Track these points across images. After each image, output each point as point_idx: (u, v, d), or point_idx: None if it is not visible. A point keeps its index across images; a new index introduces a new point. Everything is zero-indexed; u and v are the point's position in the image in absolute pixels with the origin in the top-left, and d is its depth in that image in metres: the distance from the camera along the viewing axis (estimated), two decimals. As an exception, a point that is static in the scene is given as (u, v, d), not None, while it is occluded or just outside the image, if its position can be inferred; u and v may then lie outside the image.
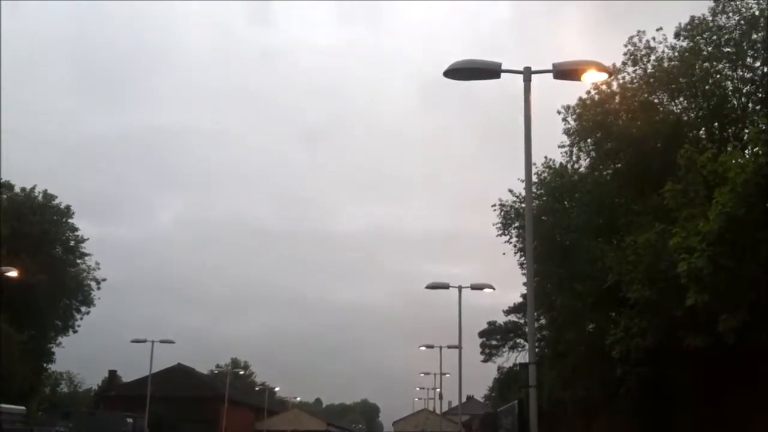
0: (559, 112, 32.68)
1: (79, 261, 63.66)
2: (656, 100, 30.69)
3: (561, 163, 34.15)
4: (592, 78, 16.33)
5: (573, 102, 32.15)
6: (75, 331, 63.60)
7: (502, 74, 15.52)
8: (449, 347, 49.90)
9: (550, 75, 15.36)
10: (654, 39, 30.85)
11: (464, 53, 79.51)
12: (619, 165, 31.38)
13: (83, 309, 63.89)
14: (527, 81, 15.24)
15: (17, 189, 59.67)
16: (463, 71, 15.60)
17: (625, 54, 31.05)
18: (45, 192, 60.63)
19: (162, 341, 53.01)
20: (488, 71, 15.46)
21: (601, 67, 15.53)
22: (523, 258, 34.49)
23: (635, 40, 30.99)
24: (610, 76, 25.76)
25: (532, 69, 15.34)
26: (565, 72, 15.31)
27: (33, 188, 60.63)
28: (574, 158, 33.29)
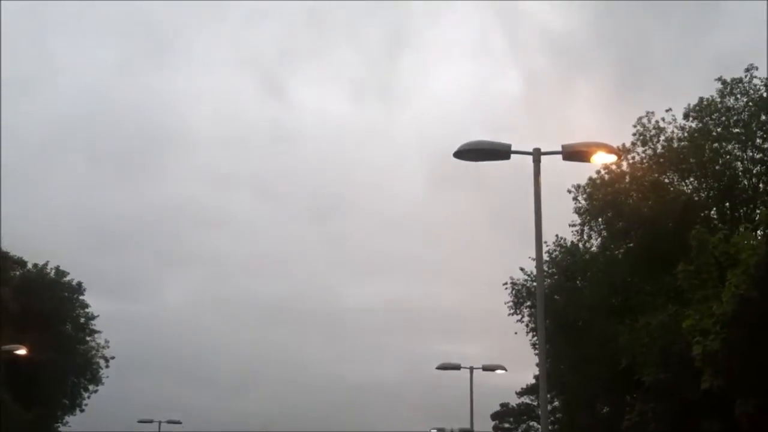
0: (569, 191, 32.79)
1: (88, 338, 63.28)
2: (666, 180, 30.80)
3: (572, 242, 34.07)
4: (601, 160, 16.38)
5: (583, 181, 32.31)
6: (82, 410, 62.73)
7: (512, 155, 15.55)
8: (461, 431, 48.81)
9: (560, 155, 15.40)
10: (663, 120, 31.19)
11: (476, 129, 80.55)
12: (631, 244, 31.28)
13: (91, 387, 63.17)
14: (537, 162, 15.24)
15: (30, 265, 59.90)
16: (472, 152, 15.60)
17: (634, 134, 31.36)
18: (57, 268, 60.78)
19: (169, 422, 52.15)
20: (498, 152, 15.50)
21: (610, 149, 15.56)
22: (535, 338, 34.07)
23: (644, 120, 31.32)
24: (619, 158, 25.89)
25: (542, 150, 15.36)
26: (575, 153, 15.33)
27: (45, 264, 60.84)
28: (585, 237, 33.24)
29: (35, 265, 60.51)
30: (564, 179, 32.67)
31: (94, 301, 62.53)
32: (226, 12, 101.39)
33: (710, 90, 30.76)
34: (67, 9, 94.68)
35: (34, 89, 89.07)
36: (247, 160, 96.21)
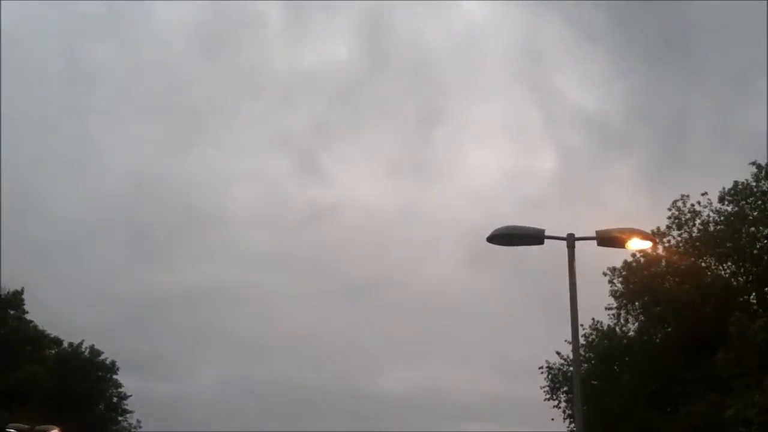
0: (605, 274, 32.56)
1: (120, 418, 63.25)
2: (704, 264, 30.47)
3: (609, 326, 33.62)
4: (636, 246, 16.30)
5: (618, 263, 32.09)
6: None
7: (546, 240, 15.56)
8: None
9: (594, 241, 15.38)
10: (698, 203, 31.07)
11: (510, 207, 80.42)
12: (669, 329, 30.78)
13: (122, 468, 62.78)
14: (571, 248, 15.21)
15: (65, 344, 60.41)
16: (506, 237, 15.64)
17: (669, 218, 31.23)
18: (92, 347, 61.27)
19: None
20: (531, 238, 15.53)
21: (645, 235, 15.53)
22: (572, 425, 33.29)
23: (679, 204, 31.23)
24: (654, 245, 25.76)
25: (576, 236, 15.35)
26: (609, 239, 15.31)
27: (80, 344, 61.33)
28: (622, 321, 32.83)
29: (71, 344, 61.03)
30: (599, 260, 32.52)
31: (126, 379, 62.73)
32: (263, 91, 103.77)
33: (745, 173, 30.66)
34: (107, 91, 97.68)
35: (73, 171, 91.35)
36: (283, 239, 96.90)
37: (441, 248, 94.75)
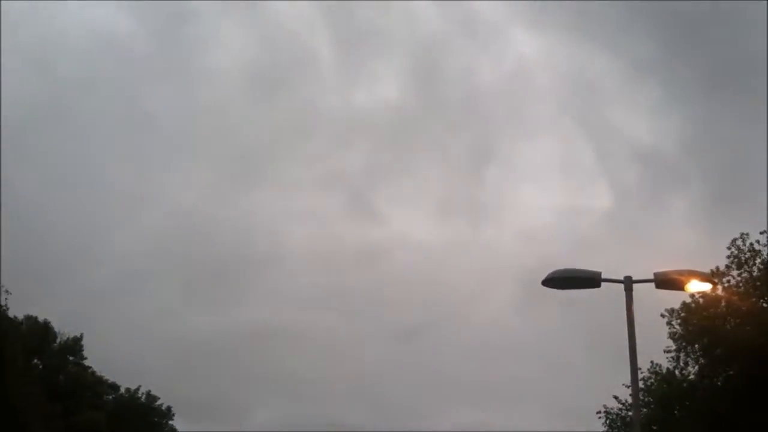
0: (662, 315, 31.95)
1: (175, 464, 63.60)
2: (765, 305, 29.72)
3: (668, 369, 32.88)
4: (695, 288, 16.08)
5: (676, 304, 31.48)
6: None
7: (603, 283, 15.40)
8: None
9: (652, 283, 15.18)
10: (758, 242, 30.45)
11: (564, 245, 79.36)
12: (732, 372, 29.98)
13: None
14: (629, 291, 15.04)
15: (122, 389, 61.23)
16: (562, 280, 15.53)
17: (728, 257, 30.62)
18: (148, 393, 62.05)
19: None
20: (587, 281, 15.38)
21: (704, 277, 15.31)
22: (633, 472, 32.46)
23: (739, 242, 30.65)
24: (714, 287, 25.26)
25: (633, 278, 15.18)
26: (668, 282, 15.09)
27: (137, 389, 62.12)
28: (681, 364, 32.06)
29: (128, 390, 61.85)
30: (657, 301, 31.90)
31: (181, 423, 63.32)
32: (316, 131, 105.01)
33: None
34: (163, 134, 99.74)
35: (130, 213, 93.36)
36: (336, 279, 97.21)
37: (493, 288, 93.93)
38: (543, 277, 15.43)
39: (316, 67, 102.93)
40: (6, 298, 35.46)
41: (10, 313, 39.20)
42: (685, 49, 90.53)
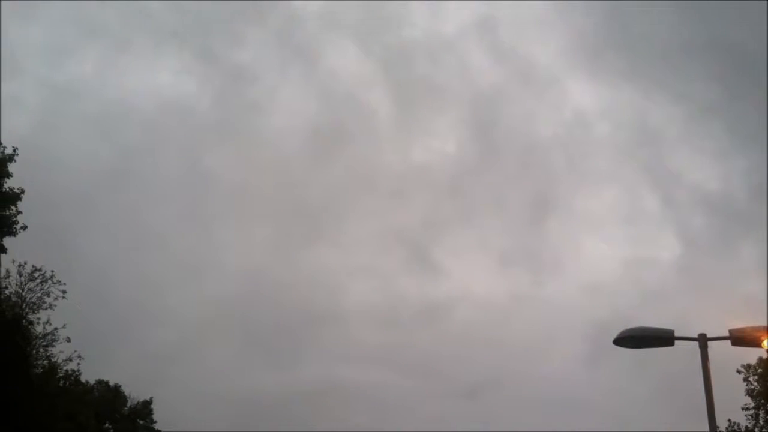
0: (738, 372, 31.04)
1: None
2: None
3: (746, 427, 31.76)
4: (773, 344, 15.64)
5: (752, 359, 30.57)
6: None
7: (676, 341, 15.13)
8: None
9: (728, 341, 14.86)
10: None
11: (631, 297, 77.50)
12: (815, 429, 28.82)
13: None
14: (704, 348, 14.74)
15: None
16: (634, 339, 15.31)
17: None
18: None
19: None
20: (660, 339, 15.13)
21: (781, 333, 14.91)
22: None
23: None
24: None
25: (708, 336, 14.88)
26: (744, 339, 14.72)
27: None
28: (761, 422, 30.95)
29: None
30: (732, 355, 30.99)
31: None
32: (375, 186, 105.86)
33: None
34: (226, 194, 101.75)
35: (194, 273, 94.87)
36: (397, 336, 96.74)
37: (558, 343, 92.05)
38: (610, 331, 15.25)
39: (374, 123, 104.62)
40: (78, 363, 36.28)
41: (82, 378, 40.04)
42: (749, 90, 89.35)
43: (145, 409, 53.87)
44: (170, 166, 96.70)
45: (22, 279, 33.67)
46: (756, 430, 31.29)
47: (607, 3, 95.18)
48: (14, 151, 30.98)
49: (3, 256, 32.06)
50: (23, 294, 33.55)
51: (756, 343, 14.87)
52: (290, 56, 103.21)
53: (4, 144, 31.11)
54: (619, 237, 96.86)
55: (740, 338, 14.78)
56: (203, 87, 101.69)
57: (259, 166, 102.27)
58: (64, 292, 34.01)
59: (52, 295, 33.92)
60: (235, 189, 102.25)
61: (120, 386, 52.51)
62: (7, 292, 33.27)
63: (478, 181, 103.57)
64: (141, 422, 53.66)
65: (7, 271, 33.28)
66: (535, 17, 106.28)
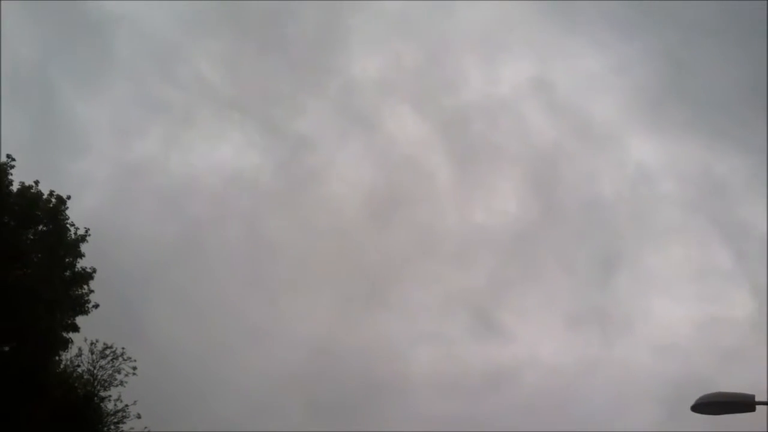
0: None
1: None
2: None
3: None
4: None
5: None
6: None
7: (757, 406, 14.73)
8: None
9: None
10: None
11: (706, 356, 74.91)
12: None
13: None
14: (786, 414, 14.31)
15: None
16: (711, 406, 15.00)
17: None
18: None
19: None
20: (740, 405, 14.76)
21: None
22: None
23: None
24: None
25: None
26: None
27: None
28: None
29: None
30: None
31: None
32: (436, 250, 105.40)
33: None
34: (286, 262, 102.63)
35: (256, 343, 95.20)
36: (462, 403, 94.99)
37: (630, 407, 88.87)
38: (685, 393, 15.03)
39: (433, 186, 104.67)
40: (145, 432, 36.60)
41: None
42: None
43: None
44: (235, 237, 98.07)
45: (94, 357, 34.40)
46: None
47: (664, 53, 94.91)
48: (86, 231, 32.10)
49: (75, 334, 32.85)
50: (95, 371, 34.22)
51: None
52: (349, 123, 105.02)
53: (76, 225, 32.27)
54: (690, 294, 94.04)
55: (825, 402, 14.30)
56: (265, 157, 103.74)
57: (320, 232, 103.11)
58: (134, 368, 34.62)
59: (123, 372, 34.53)
60: (298, 256, 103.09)
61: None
62: (79, 370, 33.99)
63: (541, 241, 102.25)
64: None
65: (80, 349, 34.06)
66: (590, 73, 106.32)
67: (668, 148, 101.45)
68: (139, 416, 35.22)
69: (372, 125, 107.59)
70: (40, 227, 31.48)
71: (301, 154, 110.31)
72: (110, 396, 34.64)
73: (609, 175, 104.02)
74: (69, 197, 31.93)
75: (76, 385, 33.28)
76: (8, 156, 31.05)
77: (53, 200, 31.66)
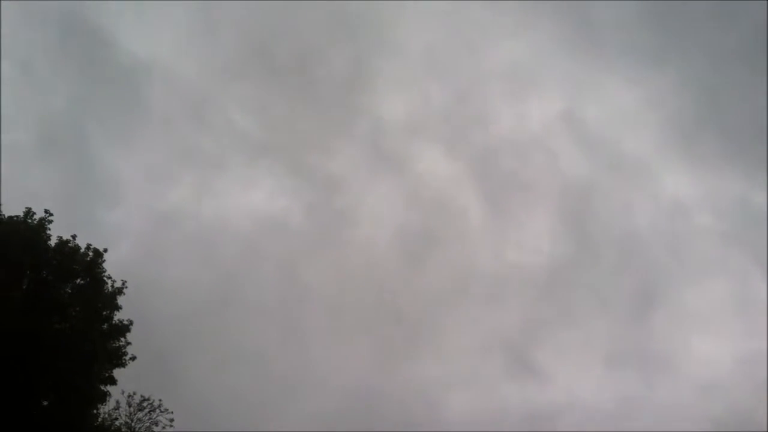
0: None
1: None
2: None
3: None
4: None
5: None
6: None
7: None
8: None
9: None
10: None
11: (747, 398, 72.84)
12: None
13: None
14: None
15: None
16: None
17: None
18: None
19: None
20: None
21: None
22: None
23: None
24: None
25: None
26: None
27: None
28: None
29: None
30: None
31: None
32: (470, 291, 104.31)
33: None
34: (322, 305, 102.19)
35: (291, 389, 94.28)
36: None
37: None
38: None
39: (466, 225, 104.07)
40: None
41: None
42: None
43: None
44: (268, 281, 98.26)
45: (131, 409, 34.40)
46: None
47: (696, 83, 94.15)
48: (123, 284, 32.21)
49: (113, 387, 32.81)
50: (132, 424, 34.17)
51: None
52: (379, 163, 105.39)
53: (113, 277, 32.38)
54: (730, 329, 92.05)
55: None
56: (296, 200, 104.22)
57: (353, 275, 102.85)
58: (171, 420, 34.52)
59: (161, 424, 34.43)
60: (331, 300, 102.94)
61: None
62: (117, 423, 33.89)
63: (576, 278, 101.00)
64: None
65: (117, 402, 34.05)
66: (621, 105, 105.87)
67: (704, 180, 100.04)
68: (175, 468, 35.03)
69: (402, 165, 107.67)
70: (78, 281, 31.66)
71: (332, 196, 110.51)
72: (148, 448, 34.53)
73: (644, 208, 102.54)
74: (106, 250, 32.20)
75: (115, 437, 33.22)
76: (46, 211, 31.46)
77: (90, 254, 31.89)
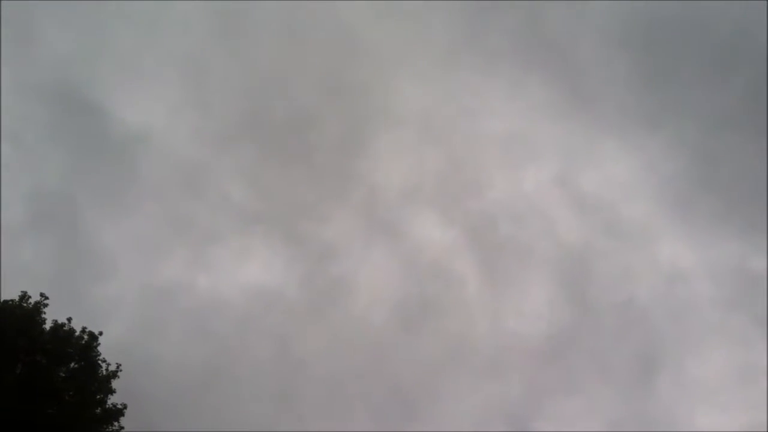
0: None
1: None
2: None
3: None
4: None
5: None
6: None
7: None
8: None
9: None
10: None
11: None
12: None
13: None
14: None
15: None
16: None
17: None
18: None
19: None
20: None
21: None
22: None
23: None
24: None
25: None
26: None
27: None
28: None
29: None
30: None
31: None
32: (468, 359, 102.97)
33: None
34: (317, 376, 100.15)
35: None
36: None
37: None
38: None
39: (462, 292, 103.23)
40: None
41: None
42: None
43: None
44: (263, 355, 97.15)
45: (126, 493, 33.61)
46: None
47: (690, 146, 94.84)
48: (118, 367, 31.97)
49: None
50: None
51: None
52: (374, 231, 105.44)
53: (107, 360, 32.16)
54: (734, 398, 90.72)
55: None
56: (291, 270, 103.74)
57: (349, 345, 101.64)
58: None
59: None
60: (327, 373, 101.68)
61: None
62: None
63: (576, 345, 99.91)
64: None
65: (110, 486, 33.32)
66: (616, 170, 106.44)
67: (701, 243, 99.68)
68: None
69: (397, 232, 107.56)
70: (72, 364, 31.43)
71: (327, 265, 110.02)
72: None
73: (642, 274, 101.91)
74: (101, 333, 32.02)
75: None
76: (42, 295, 31.40)
77: (85, 337, 31.76)
